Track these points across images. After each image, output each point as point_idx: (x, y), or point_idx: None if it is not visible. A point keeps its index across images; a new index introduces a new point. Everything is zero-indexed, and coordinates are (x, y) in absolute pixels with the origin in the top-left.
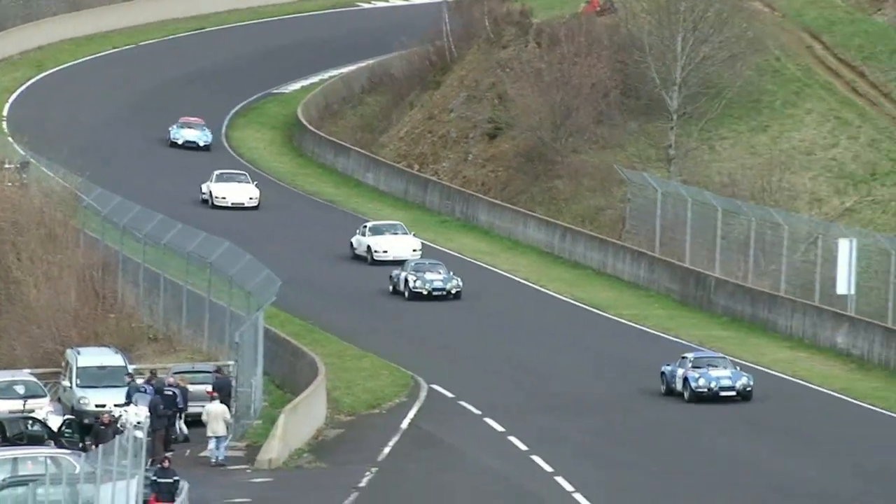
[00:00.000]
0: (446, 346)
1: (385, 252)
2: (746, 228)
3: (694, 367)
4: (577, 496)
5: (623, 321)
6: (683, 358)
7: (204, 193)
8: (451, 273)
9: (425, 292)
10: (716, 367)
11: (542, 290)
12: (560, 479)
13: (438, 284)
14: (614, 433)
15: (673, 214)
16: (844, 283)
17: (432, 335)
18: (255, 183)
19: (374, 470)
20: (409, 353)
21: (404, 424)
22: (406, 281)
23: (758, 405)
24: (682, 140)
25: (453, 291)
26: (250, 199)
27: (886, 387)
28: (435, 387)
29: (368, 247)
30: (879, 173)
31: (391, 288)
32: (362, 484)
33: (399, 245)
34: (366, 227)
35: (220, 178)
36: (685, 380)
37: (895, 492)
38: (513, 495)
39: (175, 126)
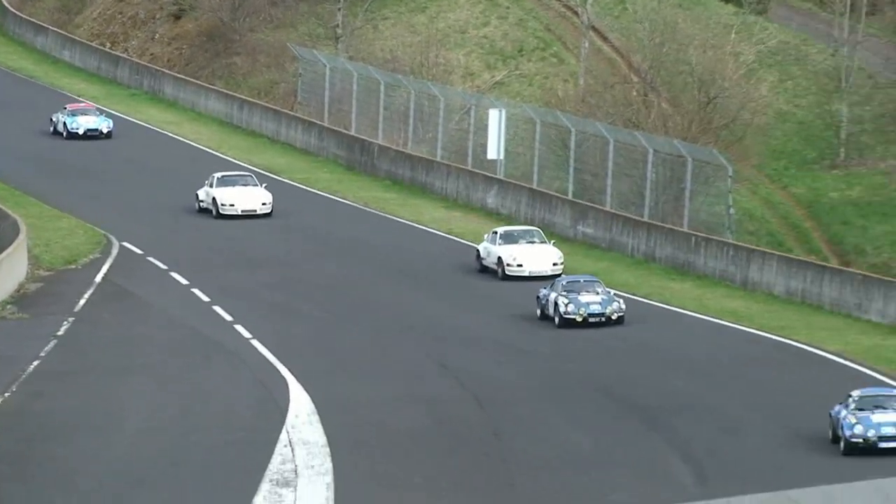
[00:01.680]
0: (136, 207)
1: (520, 266)
2: (406, 100)
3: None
4: (254, 342)
5: (295, 184)
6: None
7: (203, 201)
8: (612, 294)
9: (580, 319)
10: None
11: (223, 156)
12: (239, 327)
13: (596, 309)
14: (289, 287)
15: (340, 88)
16: (494, 150)
17: (125, 198)
18: (265, 185)
19: (71, 320)
20: (103, 215)
21: (98, 278)
22: (556, 304)
23: (415, 262)
24: (348, 20)
25: (613, 317)
26: (263, 204)
27: None
28: (126, 244)
29: (499, 258)
30: (526, 50)
31: (539, 312)
32: (60, 332)
33: (537, 258)
34: (496, 233)
35: (223, 182)
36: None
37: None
38: (197, 341)
39: (64, 114)
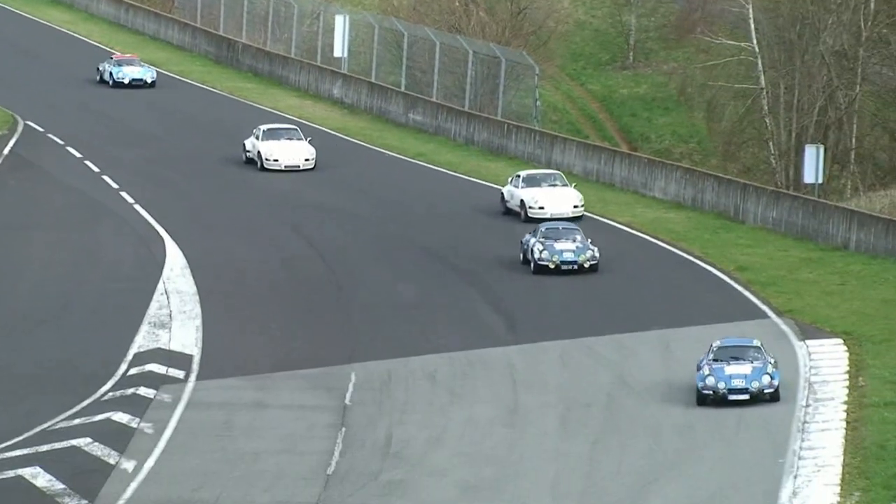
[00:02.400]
0: (38, 90)
1: (542, 208)
2: (266, 5)
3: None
4: (137, 207)
5: (172, 75)
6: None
7: (249, 151)
8: (590, 241)
9: (552, 266)
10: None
11: (113, 49)
12: (124, 194)
13: (569, 257)
14: (166, 159)
15: None
16: (340, 49)
17: (24, 81)
18: (310, 140)
19: None
20: (8, 99)
21: (6, 151)
22: (532, 250)
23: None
24: None
25: (586, 265)
26: (305, 160)
27: (370, 126)
28: (29, 123)
29: (522, 201)
30: None
31: (521, 256)
32: None
33: (558, 200)
34: (519, 177)
35: (269, 136)
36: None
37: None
38: (88, 205)
39: (109, 64)
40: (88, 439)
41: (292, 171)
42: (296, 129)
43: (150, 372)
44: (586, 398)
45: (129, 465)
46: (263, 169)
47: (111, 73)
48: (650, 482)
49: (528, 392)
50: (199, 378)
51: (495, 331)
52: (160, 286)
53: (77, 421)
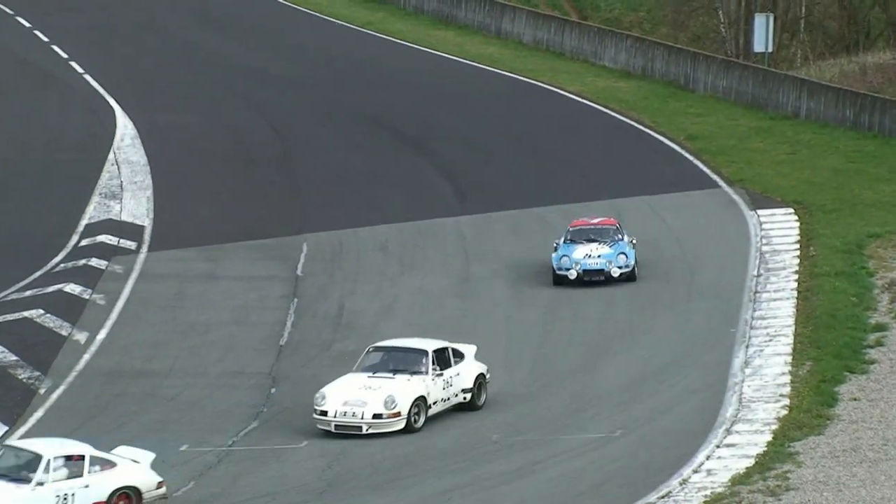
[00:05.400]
0: None
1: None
2: None
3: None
4: (86, 76)
5: None
6: None
7: None
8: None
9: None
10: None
11: None
12: (73, 64)
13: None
14: (116, 31)
15: None
16: None
17: None
18: None
19: None
20: None
21: None
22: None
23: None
24: None
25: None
26: None
27: None
28: None
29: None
30: None
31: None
32: None
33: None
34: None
35: None
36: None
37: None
38: (37, 75)
39: None
40: (40, 311)
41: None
42: None
43: (102, 243)
44: (537, 267)
45: (81, 337)
46: None
47: None
48: (602, 352)
49: (479, 262)
50: (150, 249)
51: (446, 200)
52: (111, 156)
53: (29, 293)
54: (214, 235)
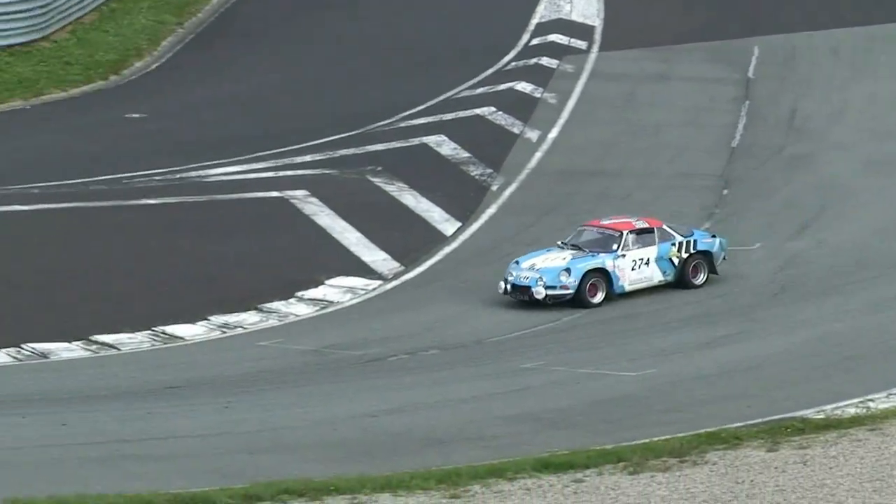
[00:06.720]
0: None
1: None
2: None
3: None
4: None
5: None
6: None
7: None
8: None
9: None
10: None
11: None
12: None
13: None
14: None
15: None
16: None
17: None
18: None
19: None
20: None
21: None
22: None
23: None
24: None
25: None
26: None
27: None
28: None
29: None
30: None
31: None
32: None
33: None
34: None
35: None
36: None
37: None
38: None
39: None
40: (492, 108)
41: None
42: None
43: (553, 42)
44: None
45: (532, 135)
46: None
47: None
48: None
49: None
50: (601, 49)
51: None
52: None
53: (480, 90)
54: (664, 36)
